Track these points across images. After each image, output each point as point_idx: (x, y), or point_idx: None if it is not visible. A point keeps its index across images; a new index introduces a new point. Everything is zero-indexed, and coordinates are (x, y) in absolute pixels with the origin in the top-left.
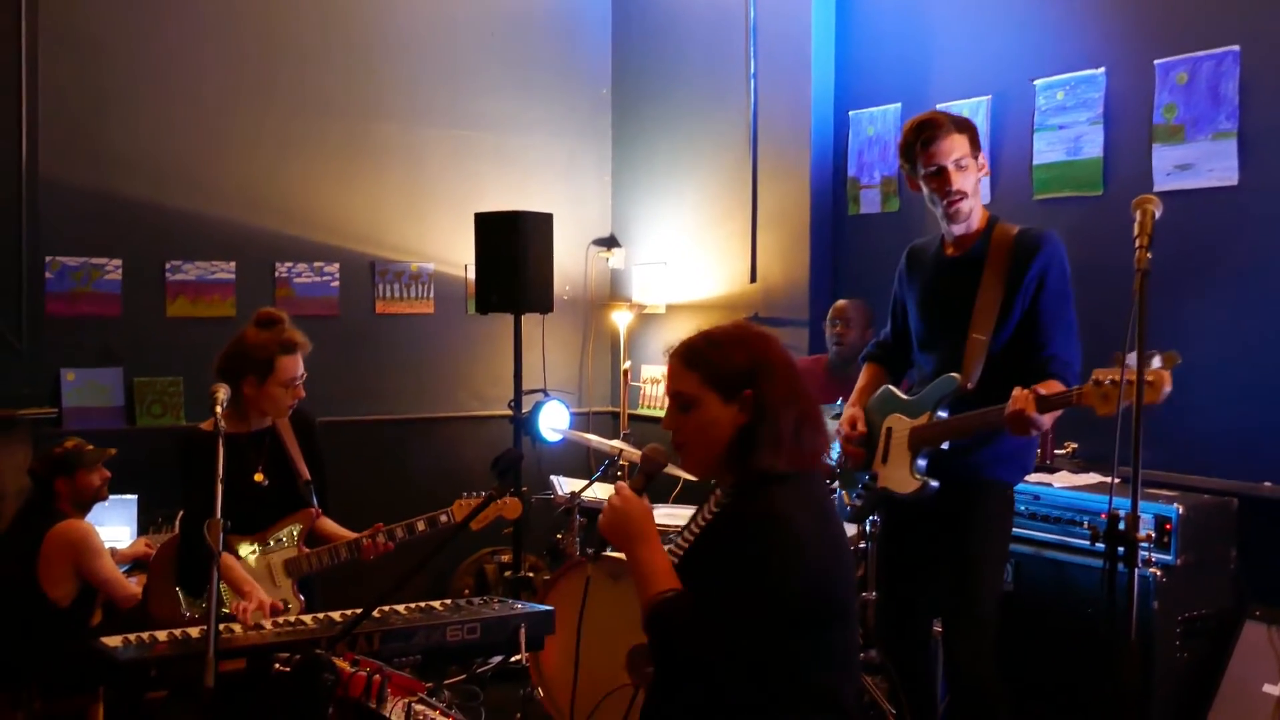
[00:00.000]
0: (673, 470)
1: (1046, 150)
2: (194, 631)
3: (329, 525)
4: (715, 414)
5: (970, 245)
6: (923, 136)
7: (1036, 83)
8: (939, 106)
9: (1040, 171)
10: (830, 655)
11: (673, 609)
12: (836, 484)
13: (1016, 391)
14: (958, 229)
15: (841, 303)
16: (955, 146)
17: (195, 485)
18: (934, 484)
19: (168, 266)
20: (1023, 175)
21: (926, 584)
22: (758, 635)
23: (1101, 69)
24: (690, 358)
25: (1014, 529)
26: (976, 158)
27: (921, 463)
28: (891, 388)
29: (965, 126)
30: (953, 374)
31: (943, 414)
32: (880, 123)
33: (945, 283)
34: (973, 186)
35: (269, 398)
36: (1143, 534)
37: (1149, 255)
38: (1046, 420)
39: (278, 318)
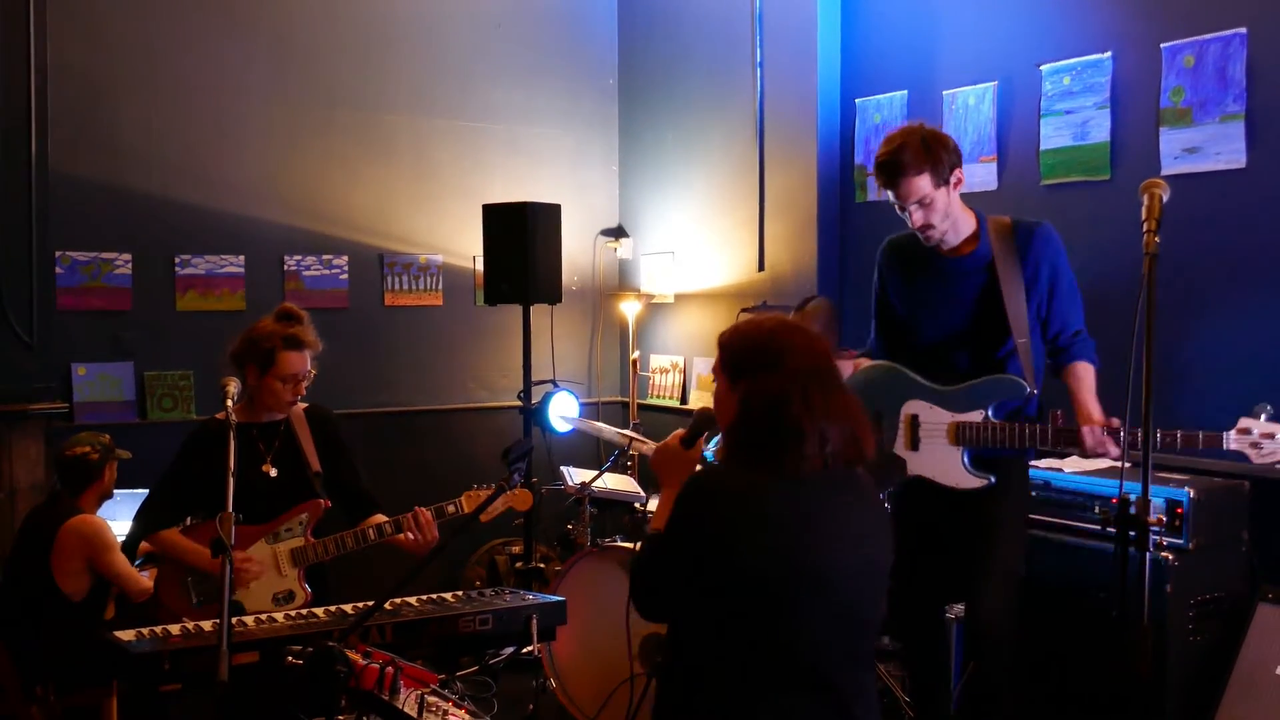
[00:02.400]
0: None
1: (1053, 135)
2: (206, 625)
3: (377, 519)
4: (723, 393)
5: (971, 248)
6: (883, 178)
7: (1043, 68)
8: (945, 93)
9: (1047, 157)
10: (751, 650)
11: (642, 553)
12: None
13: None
14: (945, 241)
15: (800, 312)
16: (914, 189)
17: (174, 465)
18: (993, 479)
19: (177, 260)
20: (1030, 161)
21: (946, 561)
22: (659, 584)
23: (1108, 53)
24: (721, 339)
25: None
26: (944, 185)
27: (967, 459)
28: (904, 369)
29: (926, 160)
30: (1017, 380)
31: (994, 415)
32: (887, 110)
33: (957, 284)
34: (941, 214)
35: (269, 390)
36: (1154, 518)
37: (1157, 239)
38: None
39: (296, 315)
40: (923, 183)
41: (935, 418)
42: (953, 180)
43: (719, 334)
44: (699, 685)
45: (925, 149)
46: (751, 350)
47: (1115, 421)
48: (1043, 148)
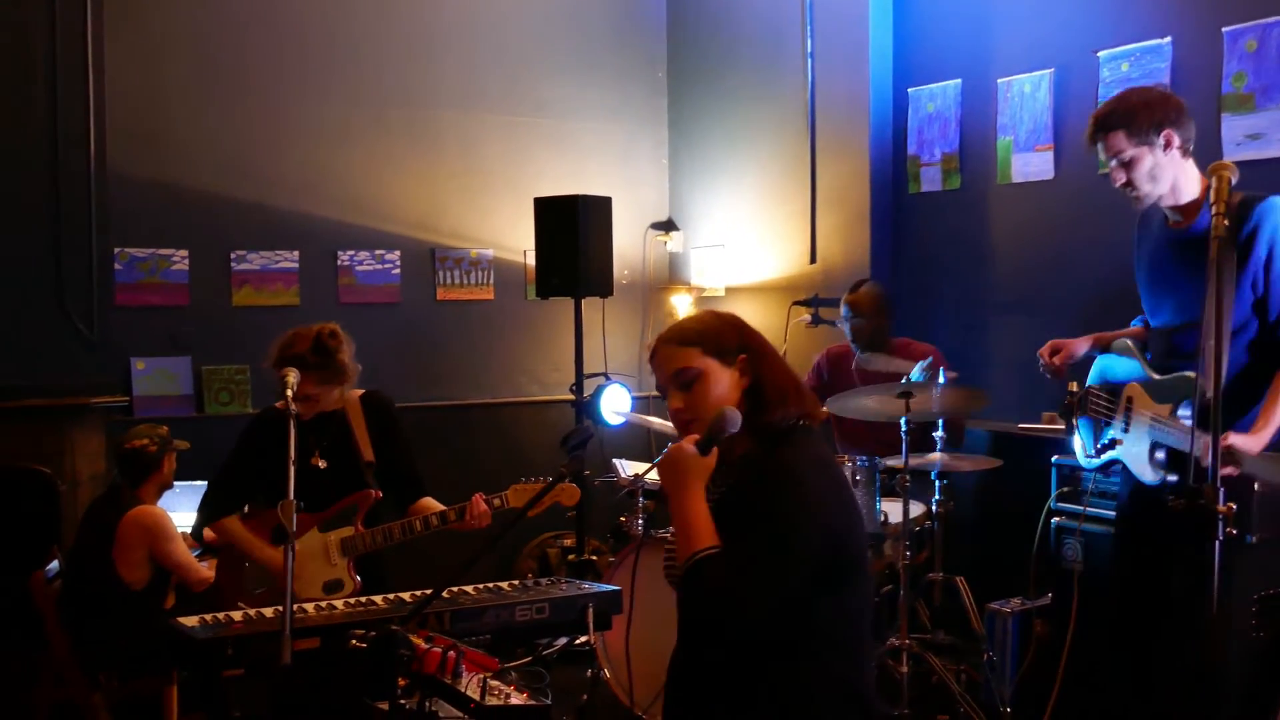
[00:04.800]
0: None
1: None
2: (268, 612)
3: (431, 505)
4: (721, 379)
5: (1193, 219)
6: (1088, 134)
7: (1100, 54)
8: (1000, 81)
9: None
10: (846, 612)
11: (707, 568)
12: (1073, 426)
13: None
14: (1163, 204)
15: (852, 296)
16: (1109, 145)
17: (234, 453)
18: (1173, 478)
19: (233, 256)
20: (1087, 150)
21: (1168, 573)
22: (782, 592)
23: (1168, 38)
24: (683, 337)
25: (1086, 508)
26: (1146, 144)
27: (1160, 454)
28: (1134, 347)
29: (1124, 116)
30: (1192, 375)
31: (1184, 412)
32: (940, 99)
33: (1174, 259)
34: (1146, 174)
35: None
36: (1222, 506)
37: (1226, 222)
38: None
39: (331, 349)
40: (1117, 139)
41: (1144, 406)
42: (1159, 141)
43: (665, 342)
44: (814, 664)
45: (1128, 105)
46: (720, 328)
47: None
48: None
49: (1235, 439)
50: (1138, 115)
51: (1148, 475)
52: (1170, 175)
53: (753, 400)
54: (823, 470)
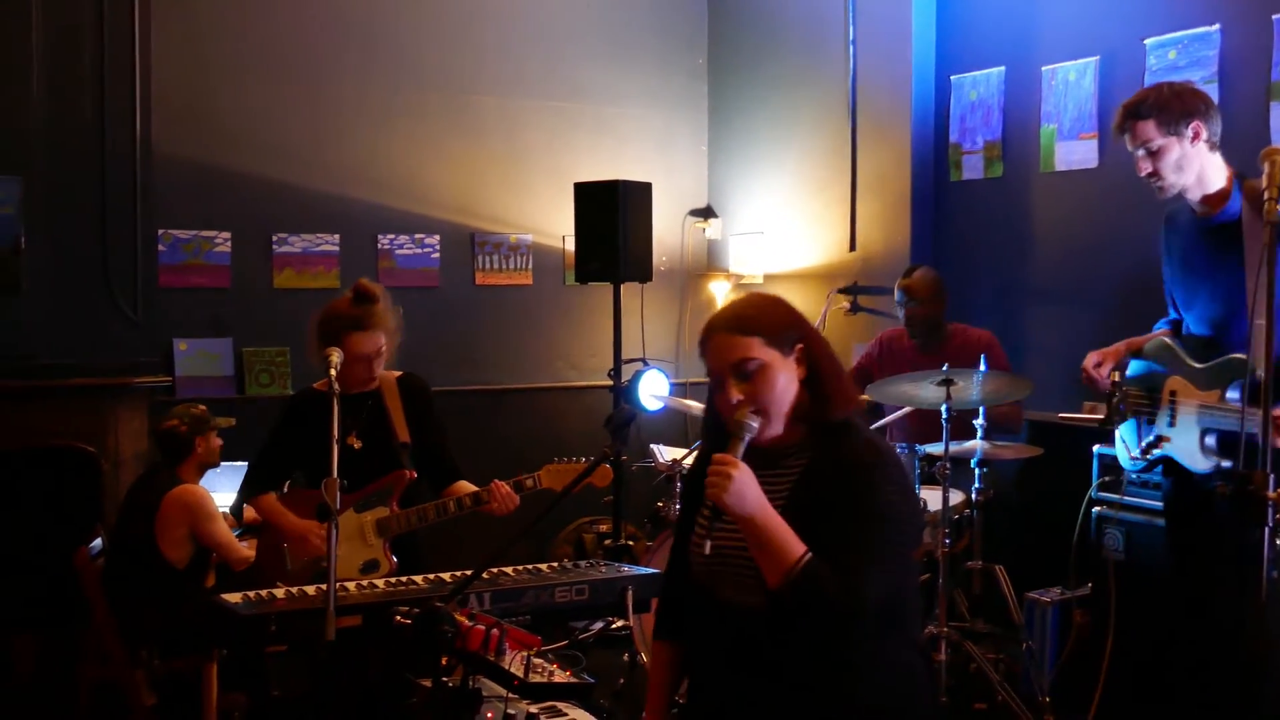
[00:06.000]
0: None
1: None
2: (310, 589)
3: (465, 487)
4: (782, 370)
5: (1221, 207)
6: (1116, 123)
7: (1147, 42)
8: (1044, 69)
9: None
10: (909, 590)
11: (821, 573)
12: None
13: None
14: (1188, 196)
15: (907, 281)
16: (1136, 133)
17: (274, 431)
18: (1226, 463)
19: (274, 239)
20: None
21: (1215, 561)
22: (897, 577)
23: (1216, 26)
24: (743, 325)
25: (1126, 497)
26: (1175, 135)
27: (1210, 440)
28: (1171, 344)
29: (1154, 106)
30: (1240, 356)
31: (1233, 395)
32: (983, 87)
33: (1206, 250)
34: (1173, 165)
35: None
36: (1274, 492)
37: (1278, 206)
38: None
39: (368, 294)
40: (1147, 128)
41: (1189, 396)
42: (1188, 132)
43: (723, 328)
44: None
45: (1159, 95)
46: (779, 316)
47: None
48: None
49: None
50: (1169, 105)
51: (1200, 464)
52: (1196, 167)
53: (811, 391)
54: (895, 456)
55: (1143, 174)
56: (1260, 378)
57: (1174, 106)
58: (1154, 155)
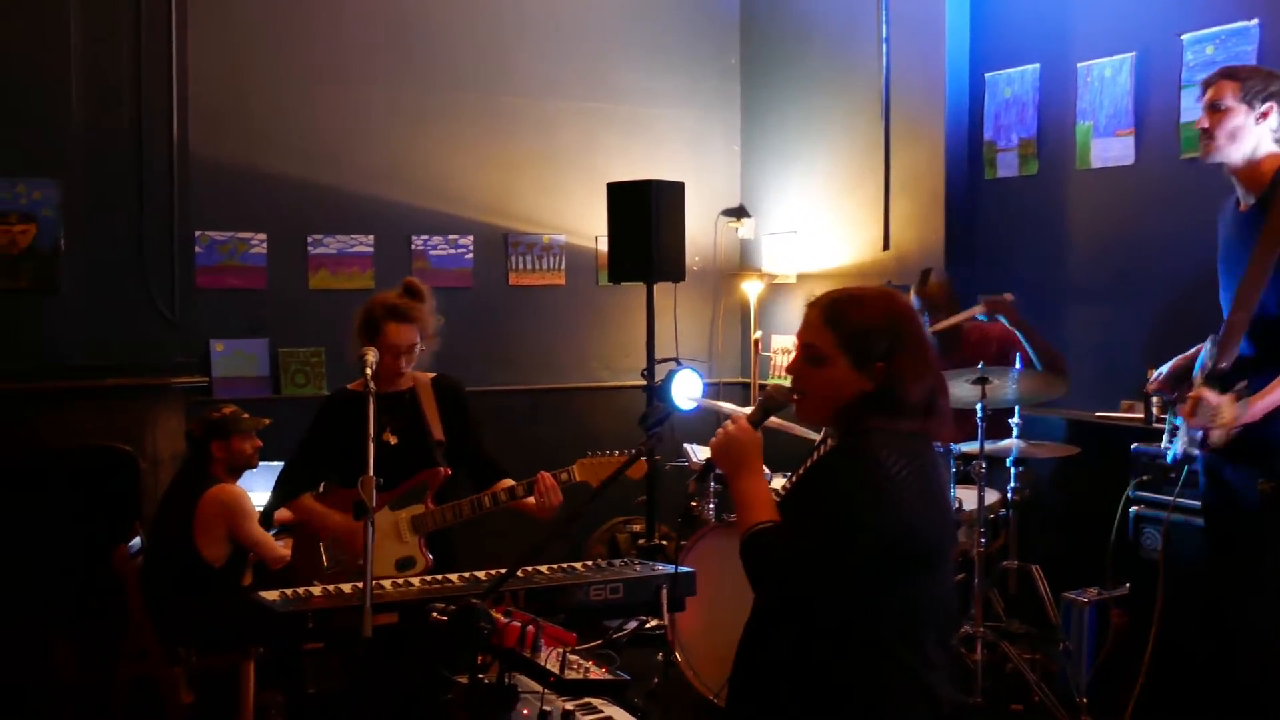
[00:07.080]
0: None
1: (1195, 108)
2: (346, 587)
3: (509, 484)
4: (843, 376)
5: (1257, 197)
6: (1204, 80)
7: (1184, 37)
8: (1079, 65)
9: (1188, 130)
10: (918, 607)
11: (767, 538)
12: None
13: None
14: (1228, 165)
15: (924, 290)
16: (1217, 90)
17: (309, 432)
18: (1195, 452)
19: (310, 240)
20: (1169, 134)
21: (1255, 556)
22: (843, 568)
23: (1255, 21)
24: (831, 315)
25: (1162, 496)
26: (1246, 105)
27: (1196, 433)
28: (1207, 346)
29: (1243, 75)
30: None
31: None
32: (1018, 84)
33: (1238, 240)
34: (1227, 132)
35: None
36: None
37: None
38: None
39: (414, 290)
40: (1227, 87)
41: (1197, 381)
42: (1260, 107)
43: (820, 307)
44: (867, 652)
45: (1253, 67)
46: (875, 332)
47: None
48: (1183, 120)
49: (1209, 394)
50: (1257, 76)
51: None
52: (1250, 144)
53: (866, 403)
54: (907, 458)
55: (1199, 126)
56: (1224, 369)
57: (1260, 80)
58: (1218, 114)
